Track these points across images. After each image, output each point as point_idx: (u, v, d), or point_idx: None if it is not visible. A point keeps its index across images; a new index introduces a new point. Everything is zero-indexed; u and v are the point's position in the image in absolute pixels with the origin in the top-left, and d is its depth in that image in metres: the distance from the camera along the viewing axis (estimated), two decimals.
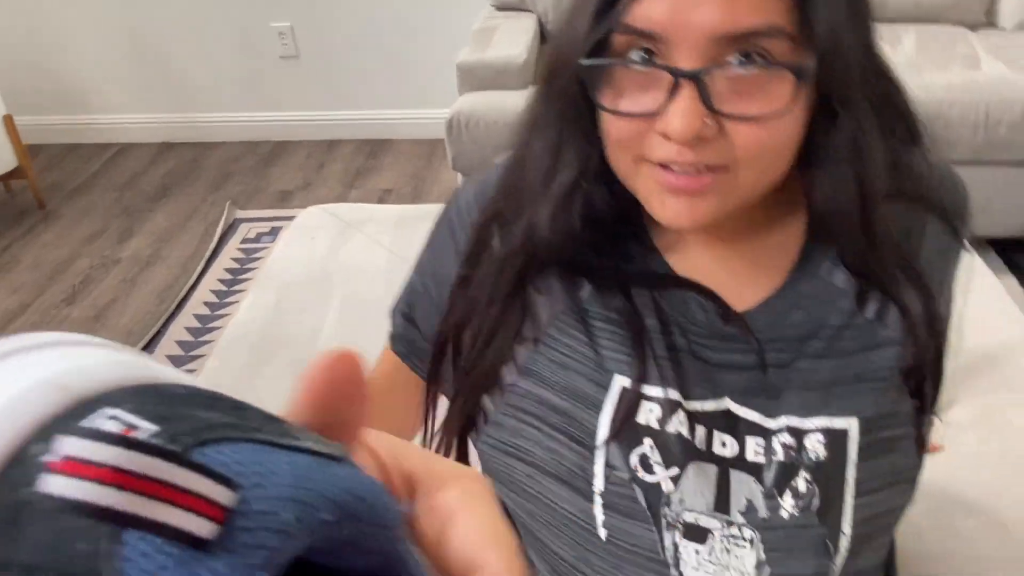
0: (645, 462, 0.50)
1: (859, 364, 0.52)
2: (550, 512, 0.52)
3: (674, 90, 0.44)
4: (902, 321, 0.52)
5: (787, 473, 0.50)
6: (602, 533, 0.50)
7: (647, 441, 0.50)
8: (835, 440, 0.50)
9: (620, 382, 0.51)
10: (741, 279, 0.54)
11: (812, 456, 0.50)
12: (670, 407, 0.50)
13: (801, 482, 0.49)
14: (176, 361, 1.95)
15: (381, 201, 2.65)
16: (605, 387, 0.51)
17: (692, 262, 0.54)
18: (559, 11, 2.34)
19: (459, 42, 2.52)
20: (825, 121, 0.48)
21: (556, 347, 0.53)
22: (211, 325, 2.06)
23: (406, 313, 0.66)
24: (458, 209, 0.62)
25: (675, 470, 0.50)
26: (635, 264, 0.55)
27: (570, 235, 0.51)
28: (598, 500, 0.50)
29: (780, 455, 0.50)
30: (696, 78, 0.44)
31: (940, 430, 0.99)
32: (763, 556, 0.49)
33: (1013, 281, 2.05)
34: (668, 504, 0.50)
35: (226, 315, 2.09)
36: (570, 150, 0.51)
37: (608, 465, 0.50)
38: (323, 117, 3.07)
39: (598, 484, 0.50)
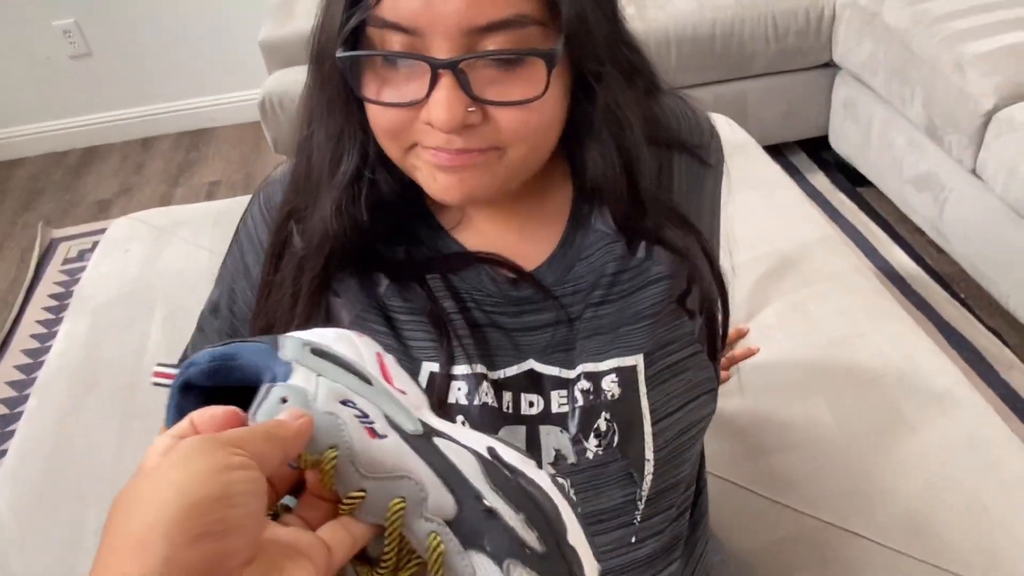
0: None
1: (638, 303, 0.55)
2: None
3: (434, 81, 0.45)
4: (670, 255, 0.56)
5: (588, 416, 0.52)
6: None
7: (459, 418, 0.51)
8: (626, 377, 0.53)
9: (428, 368, 0.52)
10: (523, 244, 0.56)
11: (608, 396, 0.53)
12: (476, 381, 0.52)
13: (602, 422, 0.52)
14: (9, 403, 1.82)
15: (210, 195, 2.52)
16: (415, 375, 0.52)
17: (478, 236, 0.56)
18: None
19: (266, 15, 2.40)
20: (583, 95, 0.50)
21: (362, 317, 0.54)
22: (42, 359, 1.92)
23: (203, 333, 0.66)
24: (246, 230, 0.61)
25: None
26: (426, 247, 0.56)
27: (357, 226, 0.52)
28: None
29: (580, 401, 0.53)
30: (453, 68, 0.45)
31: (752, 335, 1.06)
32: (573, 498, 0.51)
33: (821, 176, 2.21)
34: None
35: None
36: (349, 138, 0.51)
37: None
38: (131, 115, 2.87)
39: None
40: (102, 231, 2.36)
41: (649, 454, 0.53)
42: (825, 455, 0.89)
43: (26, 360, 1.94)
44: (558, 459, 0.52)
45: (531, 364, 0.54)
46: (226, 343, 0.37)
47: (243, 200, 1.55)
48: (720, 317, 0.60)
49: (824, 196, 2.14)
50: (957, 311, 1.72)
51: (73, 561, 0.87)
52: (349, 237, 0.52)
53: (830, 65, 2.08)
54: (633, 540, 0.53)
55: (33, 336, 2.01)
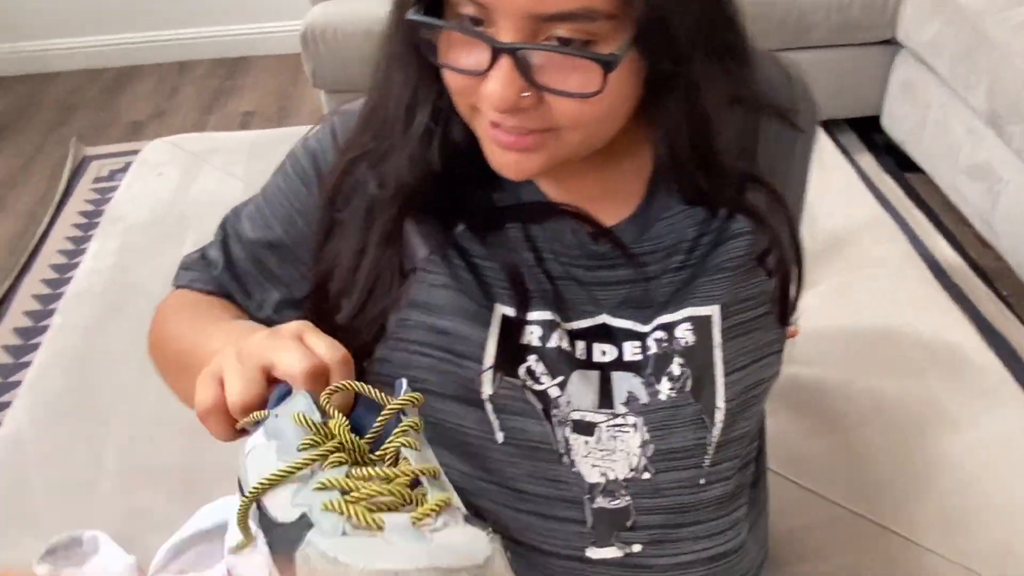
0: (532, 374, 0.53)
1: (716, 257, 0.55)
2: (448, 434, 0.54)
3: (494, 60, 0.45)
4: (750, 218, 0.55)
5: (662, 362, 0.54)
6: (499, 436, 0.53)
7: (531, 357, 0.53)
8: (700, 326, 0.54)
9: (501, 310, 0.53)
10: (604, 199, 0.56)
11: (682, 343, 0.54)
12: (550, 327, 0.53)
13: (675, 367, 0.54)
14: (34, 316, 1.82)
15: (244, 125, 2.49)
16: (489, 310, 0.53)
17: (560, 187, 0.55)
18: None
19: None
20: (660, 79, 0.48)
21: (438, 272, 0.54)
22: (69, 275, 1.92)
23: (207, 258, 0.66)
24: (307, 152, 0.59)
25: (560, 378, 0.53)
26: (507, 192, 0.55)
27: (431, 177, 0.52)
28: (489, 406, 0.52)
29: (655, 348, 0.54)
30: (512, 53, 0.44)
31: (795, 315, 1.03)
32: (646, 436, 0.53)
33: (869, 158, 2.14)
34: (557, 406, 0.53)
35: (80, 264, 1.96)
36: (425, 88, 0.51)
37: (497, 375, 0.52)
38: (169, 36, 2.83)
39: (486, 391, 0.52)
40: (135, 152, 2.34)
41: (720, 403, 0.54)
42: (861, 444, 0.86)
43: (53, 275, 1.94)
44: (630, 400, 0.54)
45: (604, 318, 0.55)
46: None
47: (277, 132, 1.53)
48: (794, 284, 0.59)
49: (870, 178, 2.07)
50: (997, 308, 1.68)
51: (92, 478, 0.87)
52: (426, 187, 0.52)
53: (891, 42, 2.00)
54: (702, 482, 0.54)
55: (61, 252, 2.02)
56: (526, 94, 0.45)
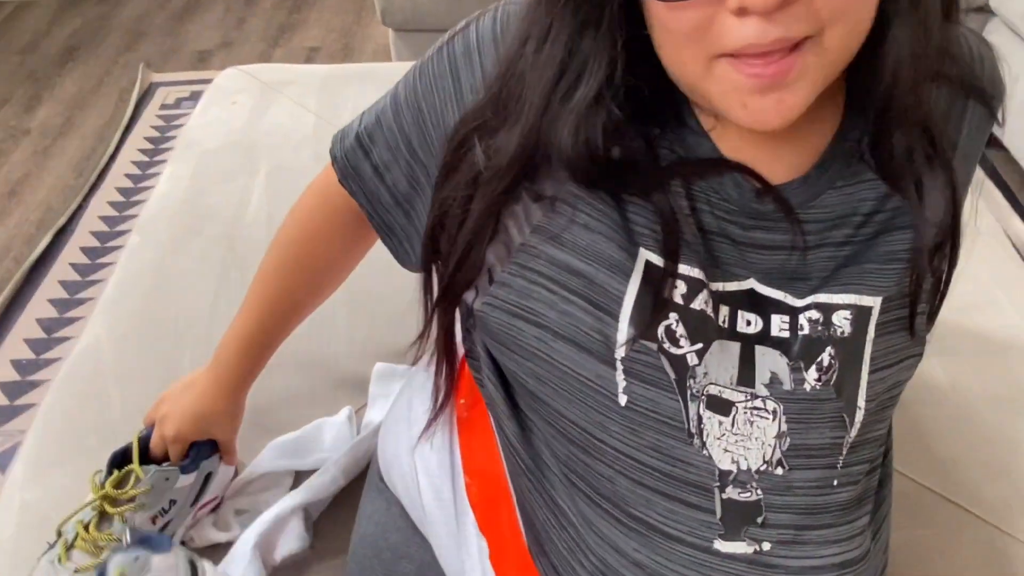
0: (671, 335, 0.49)
1: (888, 243, 0.51)
2: (561, 376, 0.51)
3: None
4: (926, 207, 0.51)
5: (813, 347, 0.50)
6: (622, 399, 0.49)
7: (673, 315, 0.49)
8: (860, 316, 0.50)
9: (645, 255, 0.49)
10: (778, 157, 0.50)
11: (839, 331, 0.50)
12: (696, 285, 0.49)
13: (826, 356, 0.50)
14: (101, 237, 1.87)
15: (309, 60, 2.49)
16: (633, 256, 0.49)
17: (734, 140, 0.50)
18: None
19: None
20: None
21: (580, 207, 0.50)
22: (135, 199, 1.97)
23: (364, 143, 0.62)
24: (466, 44, 0.55)
25: (700, 345, 0.49)
26: (672, 140, 0.50)
27: (594, 148, 0.47)
28: (619, 366, 0.49)
29: (807, 330, 0.50)
30: None
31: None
32: (784, 427, 0.49)
33: None
34: (693, 377, 0.49)
35: (150, 187, 1.99)
36: (594, 58, 0.46)
37: (633, 333, 0.48)
38: None
39: (620, 351, 0.48)
40: (202, 81, 2.37)
41: (861, 402, 0.50)
42: (933, 418, 0.84)
43: (119, 198, 1.98)
44: (773, 382, 0.50)
45: (753, 284, 0.50)
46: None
47: (351, 68, 1.51)
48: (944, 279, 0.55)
49: None
50: None
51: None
52: (586, 166, 0.48)
53: (984, 10, 1.90)
54: (835, 483, 0.51)
55: (127, 175, 2.05)
56: None
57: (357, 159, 0.64)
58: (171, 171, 1.24)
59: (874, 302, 0.50)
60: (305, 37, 2.60)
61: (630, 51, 0.45)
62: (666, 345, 0.48)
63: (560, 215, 0.51)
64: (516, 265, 0.52)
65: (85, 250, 1.83)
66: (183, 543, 0.77)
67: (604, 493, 0.51)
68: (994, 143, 1.93)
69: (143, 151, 2.13)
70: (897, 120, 0.47)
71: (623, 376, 0.49)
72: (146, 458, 0.75)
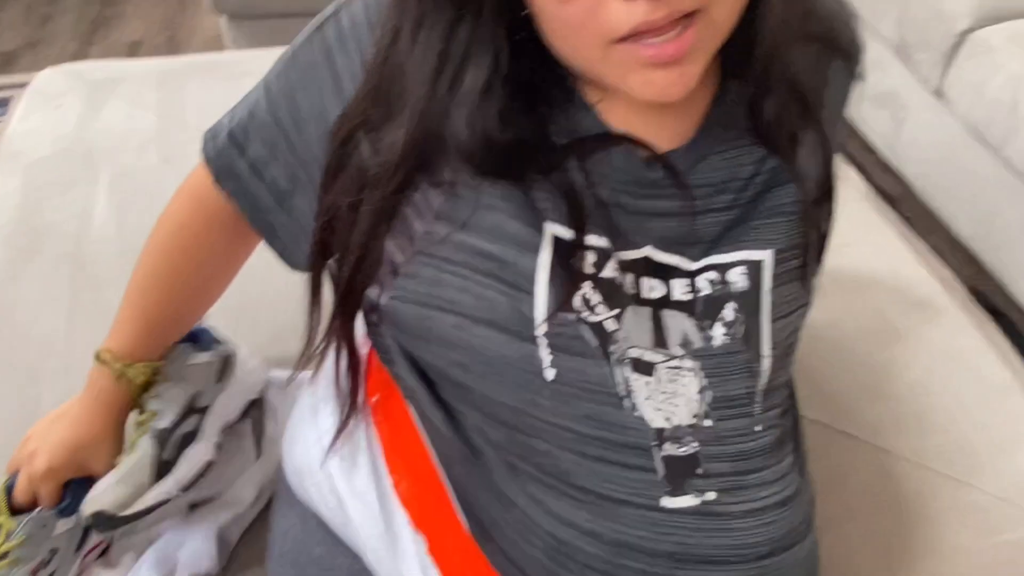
0: (588, 303, 0.49)
1: (771, 199, 0.53)
2: (485, 361, 0.50)
3: None
4: (802, 164, 0.53)
5: (715, 305, 0.52)
6: (549, 374, 0.49)
7: (587, 284, 0.49)
8: (753, 270, 0.52)
9: (551, 229, 0.49)
10: (662, 125, 0.52)
11: (735, 287, 0.52)
12: (603, 254, 0.50)
13: (729, 311, 0.52)
14: None
15: (131, 56, 2.30)
16: (539, 231, 0.49)
17: (621, 111, 0.51)
18: None
19: None
20: None
21: (482, 189, 0.49)
22: None
23: (237, 140, 0.59)
24: (339, 30, 0.53)
25: (617, 310, 0.50)
26: (564, 127, 0.51)
27: (489, 138, 0.47)
28: (543, 342, 0.49)
29: (707, 290, 0.52)
30: None
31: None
32: (704, 382, 0.51)
33: None
34: (615, 342, 0.50)
35: None
36: (477, 47, 0.46)
37: (551, 307, 0.48)
38: None
39: (541, 327, 0.48)
40: (9, 86, 2.14)
41: (767, 350, 0.52)
42: (816, 355, 0.90)
43: None
44: (685, 342, 0.51)
45: (649, 251, 0.51)
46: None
47: (191, 59, 1.41)
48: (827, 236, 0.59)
49: None
50: (905, 229, 1.78)
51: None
52: (484, 151, 0.47)
53: None
54: (757, 429, 0.53)
55: None
56: None
57: (232, 158, 0.60)
58: None
59: (764, 255, 0.52)
60: (124, 31, 2.41)
61: (512, 36, 0.46)
62: (584, 314, 0.49)
63: (462, 199, 0.50)
64: (422, 254, 0.51)
65: None
66: None
67: (547, 470, 0.50)
68: None
69: None
70: (771, 83, 0.50)
71: (547, 351, 0.49)
72: (14, 508, 0.67)
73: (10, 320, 0.91)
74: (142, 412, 0.69)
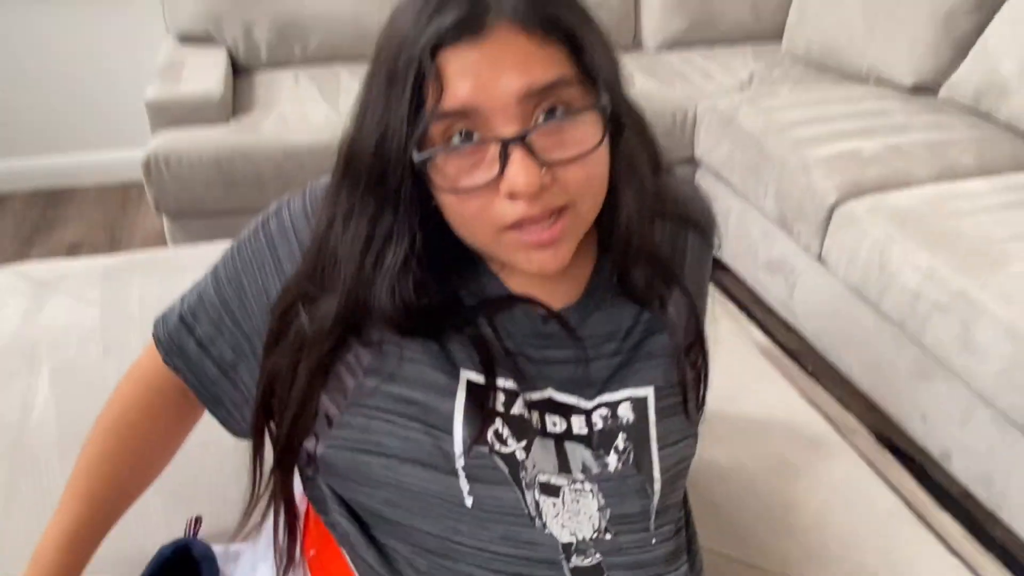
0: (499, 436, 0.57)
1: (649, 346, 0.63)
2: (411, 496, 0.57)
3: (505, 156, 0.51)
4: (673, 316, 0.64)
5: (608, 438, 0.60)
6: (468, 501, 0.56)
7: (498, 420, 0.57)
8: (639, 405, 0.62)
9: (466, 375, 0.58)
10: (553, 290, 0.62)
11: (624, 420, 0.61)
12: (512, 396, 0.58)
13: (620, 441, 0.61)
14: None
15: (71, 256, 2.38)
16: (455, 378, 0.57)
17: (519, 278, 0.61)
18: (251, 44, 2.28)
19: (141, 75, 2.36)
20: (611, 149, 0.56)
21: (404, 345, 0.58)
22: None
23: (188, 323, 0.66)
24: (280, 223, 0.63)
25: (524, 442, 0.58)
26: (472, 291, 0.61)
27: (408, 305, 0.56)
28: (461, 474, 0.56)
29: (600, 425, 0.61)
30: (522, 140, 0.50)
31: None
32: (603, 501, 0.59)
33: None
34: (524, 469, 0.57)
35: None
36: (396, 235, 0.56)
37: (467, 442, 0.55)
38: None
39: (459, 461, 0.56)
40: None
41: (657, 474, 0.61)
42: (726, 496, 0.97)
43: None
44: (584, 468, 0.59)
45: (551, 393, 0.60)
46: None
47: (134, 257, 1.49)
48: (703, 380, 0.69)
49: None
50: (806, 383, 1.92)
51: None
52: (404, 314, 0.56)
53: (692, 161, 2.31)
54: (653, 542, 0.60)
55: None
56: (543, 171, 0.51)
57: (181, 337, 0.68)
58: None
59: (647, 392, 0.62)
60: (64, 233, 2.49)
61: (425, 222, 0.56)
62: (496, 446, 0.57)
63: (388, 355, 0.58)
64: (354, 406, 0.58)
65: None
66: None
67: None
68: (721, 267, 2.28)
69: None
70: (632, 256, 0.62)
71: (466, 481, 0.56)
72: None
73: None
74: None
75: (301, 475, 0.67)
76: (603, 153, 0.54)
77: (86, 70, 2.62)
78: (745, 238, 2.10)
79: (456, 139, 0.52)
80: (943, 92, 2.12)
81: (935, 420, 1.55)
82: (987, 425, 1.43)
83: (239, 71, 2.31)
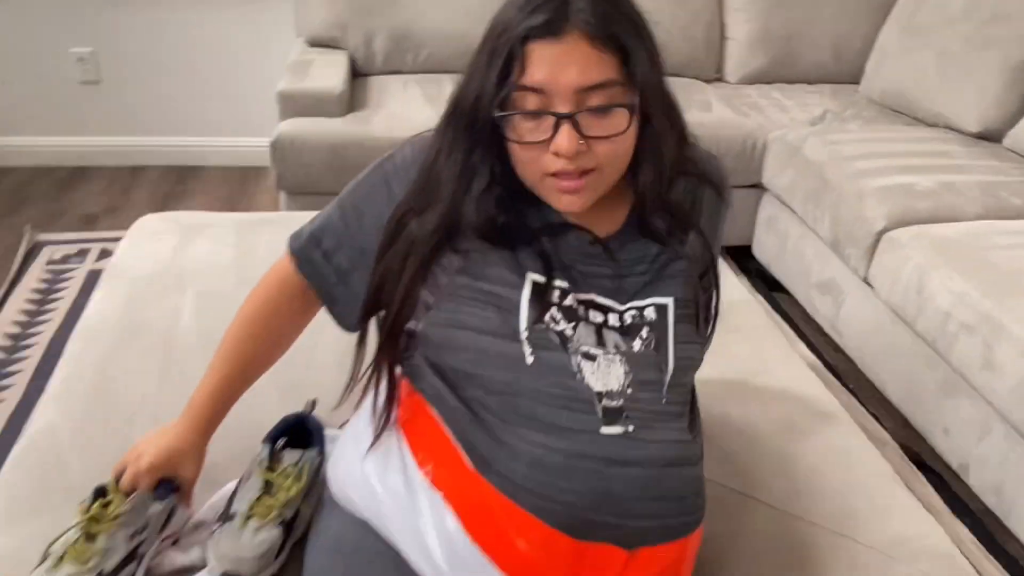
0: (554, 319, 0.79)
1: (670, 269, 0.85)
2: (487, 356, 0.78)
3: (557, 126, 0.72)
4: (690, 250, 0.86)
5: (635, 329, 0.82)
6: (529, 360, 0.77)
7: (553, 308, 0.79)
8: (661, 310, 0.83)
9: (531, 277, 0.80)
10: (600, 222, 0.84)
11: (649, 319, 0.82)
12: (564, 292, 0.80)
13: (644, 332, 0.82)
14: None
15: None
16: (522, 277, 0.79)
17: (572, 214, 0.83)
18: (369, 52, 2.57)
19: (268, 72, 2.69)
20: (641, 130, 0.78)
21: (484, 253, 0.80)
22: (24, 342, 2.04)
23: (317, 238, 0.91)
24: (394, 164, 0.87)
25: (572, 324, 0.79)
26: (538, 217, 0.83)
27: (490, 218, 0.80)
28: (525, 342, 0.77)
29: (629, 321, 0.82)
30: (571, 118, 0.72)
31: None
32: (627, 367, 0.80)
33: (744, 280, 2.56)
34: (571, 342, 0.78)
35: (41, 332, 2.08)
36: (482, 164, 0.78)
37: (530, 319, 0.78)
38: (123, 142, 3.05)
39: (524, 333, 0.77)
40: (90, 240, 2.52)
41: (671, 359, 0.82)
42: (736, 443, 1.15)
43: (7, 343, 2.04)
44: (616, 346, 0.80)
45: (593, 296, 0.82)
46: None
47: (260, 214, 1.77)
48: (714, 303, 0.91)
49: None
50: (847, 398, 2.04)
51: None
52: (485, 225, 0.79)
53: (758, 186, 2.47)
54: (663, 401, 0.80)
55: (15, 323, 2.12)
56: (581, 142, 0.72)
57: (310, 249, 0.92)
58: (102, 294, 1.41)
59: (667, 300, 0.83)
60: (191, 204, 2.83)
61: (502, 160, 0.79)
62: (551, 325, 0.78)
63: (473, 260, 0.81)
64: (447, 296, 0.81)
65: None
66: (148, 572, 0.90)
67: (526, 416, 0.77)
68: (779, 288, 2.43)
69: (32, 301, 2.22)
70: (650, 208, 0.83)
71: (528, 346, 0.78)
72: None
73: (113, 381, 1.18)
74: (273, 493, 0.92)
75: (400, 357, 0.88)
76: (628, 137, 0.75)
77: (220, 65, 2.98)
78: (800, 260, 2.25)
79: (527, 106, 0.73)
80: (1007, 141, 2.23)
81: (956, 434, 1.67)
82: (1001, 439, 1.55)
83: (357, 74, 2.61)
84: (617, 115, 0.74)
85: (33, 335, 2.08)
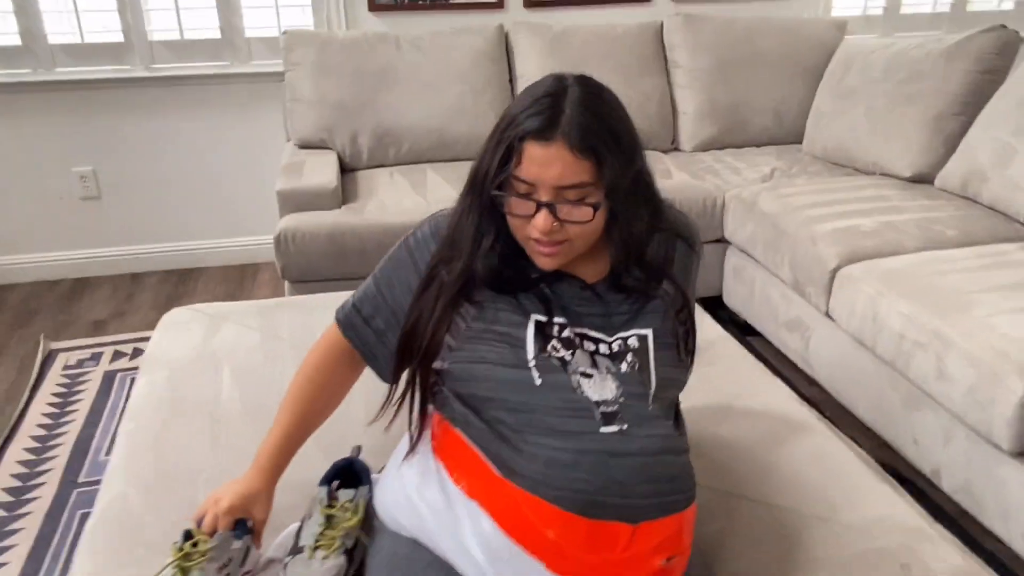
0: (555, 349, 0.97)
1: (648, 307, 1.03)
2: (503, 383, 0.95)
3: (538, 209, 0.92)
4: (664, 293, 1.04)
5: (622, 355, 0.99)
6: (537, 382, 0.94)
7: (554, 340, 0.97)
8: (642, 339, 1.00)
9: (535, 317, 0.98)
10: (586, 272, 1.03)
11: (632, 346, 0.99)
12: (561, 327, 0.98)
13: (629, 357, 0.99)
14: (14, 492, 2.00)
15: None
16: (526, 317, 0.98)
17: (564, 265, 1.02)
18: (355, 149, 2.79)
19: (259, 175, 2.89)
20: (612, 215, 0.97)
21: (496, 303, 0.99)
22: (47, 455, 2.14)
23: (358, 307, 1.09)
24: (416, 239, 1.07)
25: (570, 351, 0.97)
26: (535, 268, 1.01)
27: (496, 270, 0.99)
28: (533, 369, 0.95)
29: (616, 348, 0.99)
30: (549, 207, 0.91)
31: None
32: (618, 383, 0.96)
33: (720, 328, 2.75)
34: (570, 365, 0.96)
35: (65, 432, 2.19)
36: (488, 227, 0.98)
37: (535, 350, 0.96)
38: (124, 252, 3.21)
39: (532, 362, 0.95)
40: (101, 344, 2.65)
41: (653, 381, 0.99)
42: (725, 452, 1.31)
43: (29, 456, 2.14)
44: (607, 368, 0.97)
45: (586, 330, 1.00)
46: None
47: (278, 299, 1.93)
48: (690, 338, 1.09)
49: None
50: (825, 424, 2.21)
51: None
52: (491, 276, 0.99)
53: (722, 240, 2.69)
54: (650, 408, 0.97)
55: (40, 425, 2.23)
56: (555, 224, 0.91)
57: (353, 316, 1.11)
58: (144, 380, 1.55)
59: (647, 332, 1.01)
60: (193, 303, 2.96)
61: (503, 225, 0.98)
62: (553, 353, 0.97)
63: (486, 308, 0.99)
64: (465, 338, 0.99)
65: (1, 503, 1.96)
66: None
67: (538, 427, 0.93)
68: (752, 331, 2.62)
69: (53, 404, 2.33)
70: (623, 272, 1.02)
71: (535, 372, 0.95)
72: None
73: (170, 450, 1.32)
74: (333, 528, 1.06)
75: (431, 394, 1.05)
76: (595, 224, 0.94)
77: (214, 172, 3.18)
78: (767, 303, 2.45)
79: (519, 190, 0.93)
80: (937, 182, 2.49)
81: (924, 443, 1.84)
82: (963, 441, 1.72)
83: (346, 169, 2.83)
84: (586, 207, 0.93)
85: (59, 435, 2.19)
